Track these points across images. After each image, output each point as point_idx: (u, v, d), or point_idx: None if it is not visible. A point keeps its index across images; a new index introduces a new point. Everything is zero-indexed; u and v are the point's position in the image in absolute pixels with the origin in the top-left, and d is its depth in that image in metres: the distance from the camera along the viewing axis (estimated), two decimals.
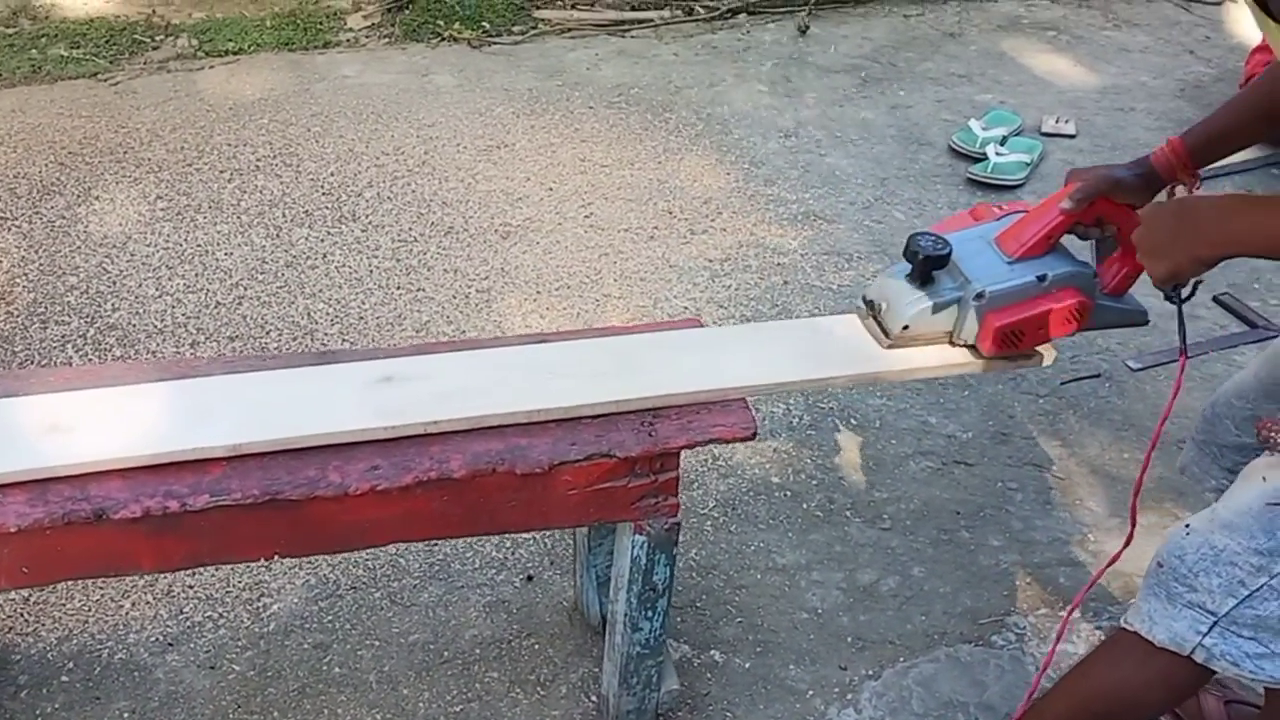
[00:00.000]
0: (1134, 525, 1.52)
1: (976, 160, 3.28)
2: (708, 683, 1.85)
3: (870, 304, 1.58)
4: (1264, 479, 1.33)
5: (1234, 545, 1.32)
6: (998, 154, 3.23)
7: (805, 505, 2.20)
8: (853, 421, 2.40)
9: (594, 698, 1.81)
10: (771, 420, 2.38)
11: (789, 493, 2.22)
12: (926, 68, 3.91)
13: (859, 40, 4.12)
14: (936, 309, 1.51)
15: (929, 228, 1.58)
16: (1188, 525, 1.40)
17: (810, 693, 1.85)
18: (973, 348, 1.54)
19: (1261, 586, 1.31)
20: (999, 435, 2.37)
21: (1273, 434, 1.33)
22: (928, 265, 1.50)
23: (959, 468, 2.29)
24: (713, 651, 1.91)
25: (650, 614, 1.60)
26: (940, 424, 2.39)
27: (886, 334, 1.54)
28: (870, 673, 1.88)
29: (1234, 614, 1.33)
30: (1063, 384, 2.49)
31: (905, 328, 1.51)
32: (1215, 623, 1.35)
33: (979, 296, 1.49)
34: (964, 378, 2.49)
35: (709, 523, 2.15)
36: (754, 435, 1.45)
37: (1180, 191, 1.57)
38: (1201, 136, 1.53)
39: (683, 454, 1.46)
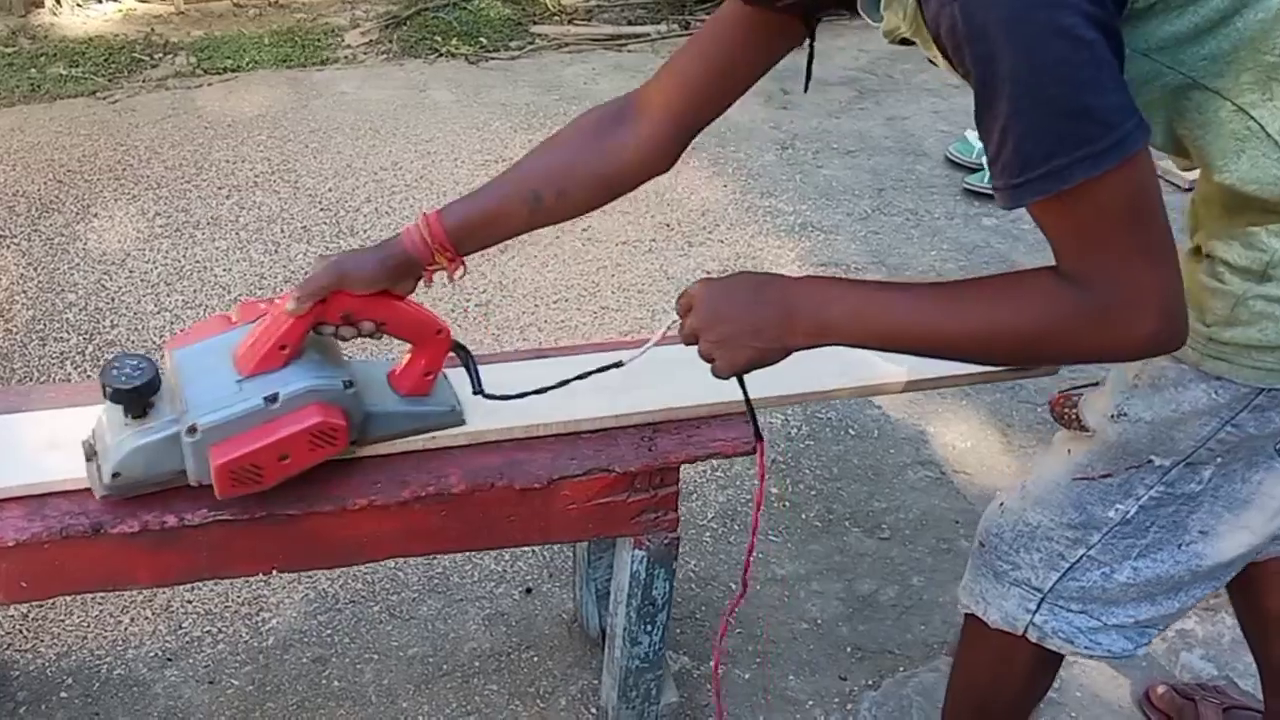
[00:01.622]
0: (745, 586, 1.43)
1: (973, 170, 3.29)
2: (707, 695, 1.85)
3: (89, 446, 1.26)
4: (1069, 451, 1.31)
5: (1047, 522, 1.31)
6: None
7: (804, 515, 2.20)
8: (851, 431, 2.40)
9: (593, 710, 1.81)
10: (770, 431, 2.39)
11: (788, 503, 2.22)
12: (923, 79, 3.93)
13: (855, 52, 4.13)
14: (153, 448, 1.20)
15: (182, 332, 1.31)
16: (1001, 502, 1.38)
17: (810, 703, 1.84)
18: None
19: (1081, 558, 1.29)
20: (997, 444, 2.38)
21: (1066, 409, 1.31)
22: (129, 398, 1.20)
23: (958, 476, 2.29)
24: (712, 663, 1.91)
25: (649, 628, 1.60)
26: (939, 433, 2.40)
27: (102, 482, 1.22)
28: (870, 683, 1.88)
29: (1059, 588, 1.32)
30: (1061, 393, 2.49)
31: (116, 475, 1.20)
32: (1042, 599, 1.33)
33: (192, 430, 1.19)
34: (961, 386, 2.49)
35: (708, 534, 2.15)
36: (754, 449, 1.45)
37: (440, 277, 1.33)
38: (462, 219, 1.30)
39: (682, 467, 1.46)
